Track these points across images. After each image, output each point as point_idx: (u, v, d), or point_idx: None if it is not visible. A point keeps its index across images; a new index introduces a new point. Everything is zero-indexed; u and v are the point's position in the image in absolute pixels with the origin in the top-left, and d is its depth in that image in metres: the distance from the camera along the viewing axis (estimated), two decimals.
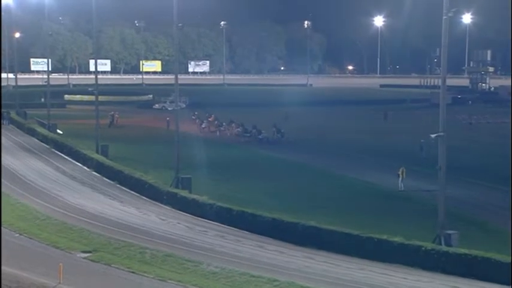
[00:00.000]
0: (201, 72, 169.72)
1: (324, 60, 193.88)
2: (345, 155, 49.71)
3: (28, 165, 42.77)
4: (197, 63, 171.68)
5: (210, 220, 29.09)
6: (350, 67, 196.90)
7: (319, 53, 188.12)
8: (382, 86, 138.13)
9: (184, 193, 32.11)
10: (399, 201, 34.34)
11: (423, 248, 23.00)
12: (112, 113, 67.07)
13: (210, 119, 66.18)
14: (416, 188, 36.84)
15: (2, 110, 64.67)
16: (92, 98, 59.72)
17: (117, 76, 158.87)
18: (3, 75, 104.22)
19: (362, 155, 48.99)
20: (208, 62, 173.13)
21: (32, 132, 56.50)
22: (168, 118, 62.72)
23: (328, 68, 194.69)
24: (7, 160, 42.59)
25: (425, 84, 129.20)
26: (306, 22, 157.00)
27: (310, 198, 34.49)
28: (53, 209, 30.60)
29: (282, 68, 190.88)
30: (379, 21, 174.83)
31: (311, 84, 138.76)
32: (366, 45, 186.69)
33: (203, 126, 64.34)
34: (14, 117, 66.14)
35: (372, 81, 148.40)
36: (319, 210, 31.00)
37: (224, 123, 63.74)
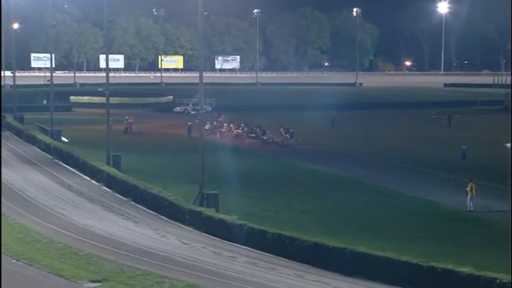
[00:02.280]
0: (230, 70, 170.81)
1: (376, 54, 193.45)
2: (400, 167, 49.34)
3: (27, 178, 43.32)
4: (225, 58, 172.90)
5: (240, 244, 29.12)
6: (407, 63, 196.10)
7: (370, 46, 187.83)
8: (446, 85, 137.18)
9: (210, 212, 32.17)
10: (468, 224, 33.93)
11: (498, 281, 22.64)
12: (127, 117, 67.52)
13: (219, 119, 66.84)
14: (488, 207, 36.41)
15: None
16: (103, 99, 60.48)
17: (132, 74, 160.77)
18: None
19: (421, 168, 48.50)
20: (238, 57, 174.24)
21: (32, 140, 57.12)
22: (189, 123, 63.11)
23: (381, 64, 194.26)
24: (3, 173, 43.03)
25: (499, 82, 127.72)
26: (354, 9, 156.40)
27: (359, 220, 34.30)
28: (56, 231, 30.89)
29: (326, 64, 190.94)
30: (443, 7, 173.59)
31: (361, 83, 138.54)
32: (427, 37, 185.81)
33: (206, 128, 64.92)
34: (11, 122, 66.17)
35: (434, 80, 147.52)
36: (370, 234, 30.84)
37: (225, 124, 65.15)
